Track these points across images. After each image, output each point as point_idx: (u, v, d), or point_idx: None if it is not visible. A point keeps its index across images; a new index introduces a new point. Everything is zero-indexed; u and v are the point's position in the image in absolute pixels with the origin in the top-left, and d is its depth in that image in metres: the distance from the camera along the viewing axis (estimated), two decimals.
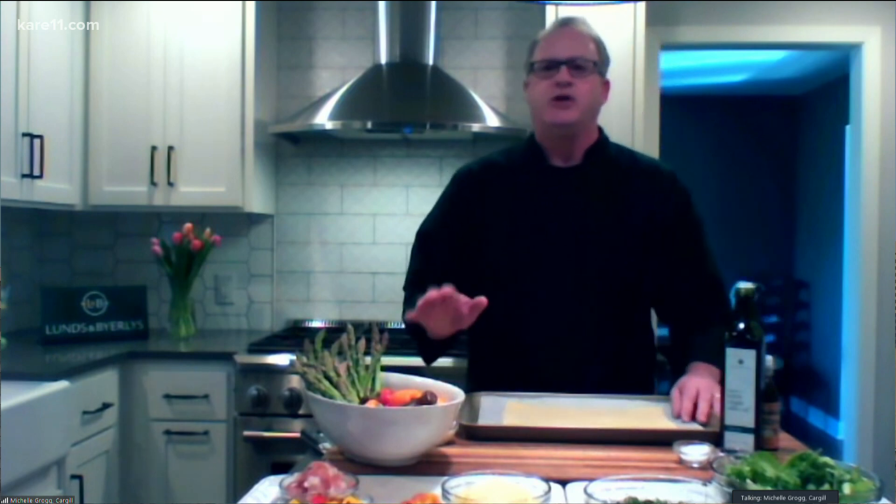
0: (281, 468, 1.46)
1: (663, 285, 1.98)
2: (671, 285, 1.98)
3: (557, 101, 1.91)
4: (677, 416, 1.72)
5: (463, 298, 1.68)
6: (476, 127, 3.16)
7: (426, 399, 1.43)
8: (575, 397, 1.85)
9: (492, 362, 2.03)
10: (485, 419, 1.71)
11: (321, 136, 3.54)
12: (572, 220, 1.95)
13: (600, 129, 2.05)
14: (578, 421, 1.67)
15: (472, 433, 1.61)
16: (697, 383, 1.76)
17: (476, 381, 2.02)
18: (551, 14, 3.31)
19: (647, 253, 1.95)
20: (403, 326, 1.94)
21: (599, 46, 1.97)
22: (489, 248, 1.98)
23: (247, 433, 2.96)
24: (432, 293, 1.67)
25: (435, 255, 2.03)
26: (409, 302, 1.99)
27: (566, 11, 3.29)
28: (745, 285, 1.54)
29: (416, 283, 2.03)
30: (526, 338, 1.95)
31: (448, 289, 1.68)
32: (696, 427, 1.65)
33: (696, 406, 1.70)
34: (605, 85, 2.00)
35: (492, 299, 1.94)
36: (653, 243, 1.95)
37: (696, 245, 2.00)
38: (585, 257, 1.93)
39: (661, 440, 1.53)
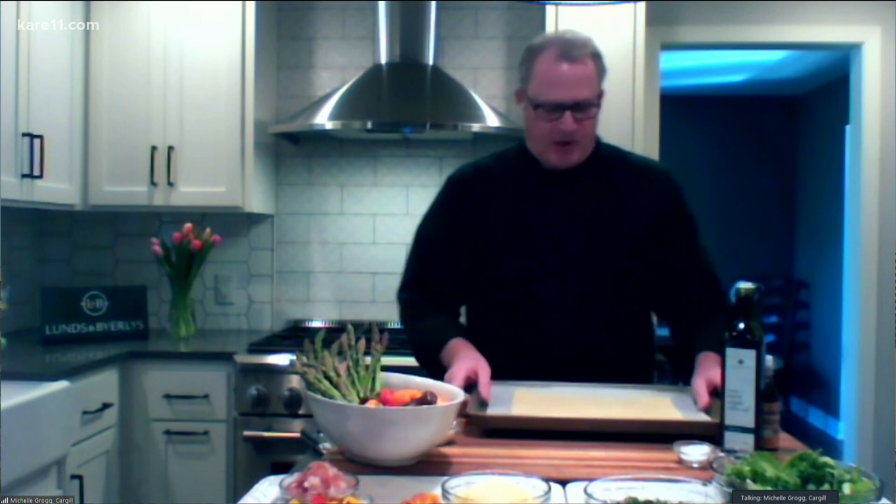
0: (281, 468, 1.46)
1: (663, 282, 1.99)
2: (671, 282, 1.99)
3: (560, 147, 1.90)
4: (704, 411, 1.67)
5: (483, 381, 1.75)
6: (476, 127, 3.16)
7: (426, 399, 1.43)
8: (582, 386, 1.85)
9: (496, 363, 2.01)
10: (493, 409, 1.69)
11: (321, 136, 3.54)
12: (572, 221, 1.95)
13: None
14: (588, 411, 1.66)
15: (482, 423, 1.60)
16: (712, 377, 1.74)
17: None
18: (551, 14, 3.32)
19: (646, 251, 1.96)
20: (401, 326, 1.98)
21: (599, 67, 1.91)
22: (491, 254, 1.98)
23: (247, 433, 2.96)
24: (459, 378, 1.73)
25: (435, 261, 2.05)
26: (411, 307, 2.07)
27: (566, 11, 3.29)
28: (745, 285, 1.54)
29: (415, 288, 2.08)
30: (530, 341, 1.96)
31: (466, 371, 1.76)
32: (705, 417, 1.64)
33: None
34: (602, 97, 1.95)
35: (496, 303, 2.00)
36: (651, 241, 1.96)
37: (692, 241, 2.02)
38: (587, 258, 1.94)
39: (673, 432, 1.53)
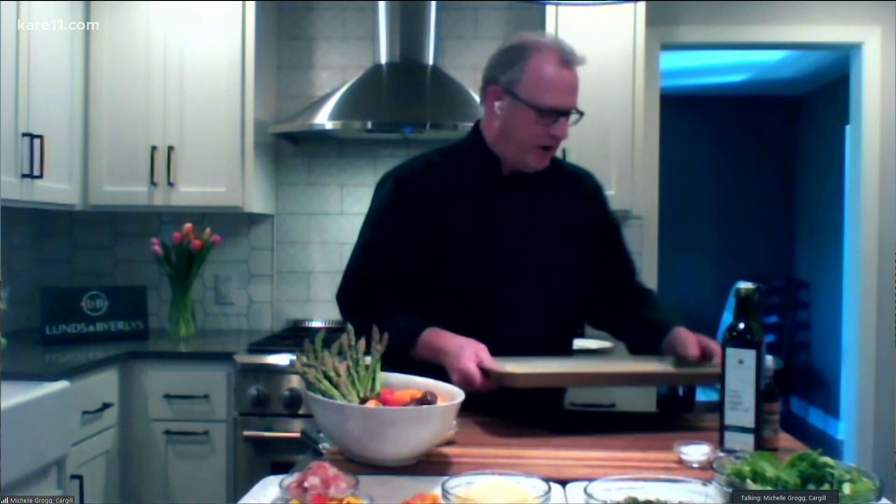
0: (281, 468, 1.46)
1: (600, 278, 2.05)
2: (608, 280, 2.06)
3: (543, 150, 1.91)
4: (696, 357, 1.79)
5: (487, 360, 1.75)
6: None
7: (426, 399, 1.43)
8: (562, 360, 1.91)
9: None
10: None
11: (321, 136, 3.54)
12: (528, 222, 1.97)
13: None
14: (607, 368, 1.83)
15: (512, 382, 1.66)
16: (698, 336, 1.84)
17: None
18: (551, 14, 3.32)
19: (587, 250, 2.03)
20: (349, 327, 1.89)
21: None
22: (450, 253, 1.93)
23: (247, 433, 2.96)
24: (474, 369, 1.71)
25: (387, 261, 1.95)
26: (365, 308, 1.91)
27: (566, 11, 3.29)
28: (745, 285, 1.54)
29: (367, 288, 1.95)
30: (489, 341, 1.86)
31: (474, 359, 1.73)
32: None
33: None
34: None
35: (454, 302, 1.93)
36: (590, 240, 2.03)
37: (620, 239, 2.12)
38: (544, 259, 1.96)
39: (694, 383, 1.71)
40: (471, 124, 3.10)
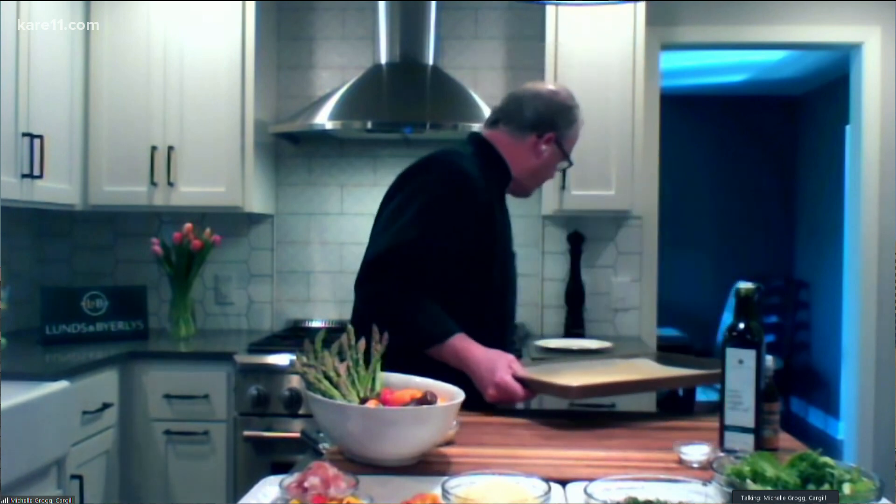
0: (281, 468, 1.47)
1: None
2: None
3: None
4: None
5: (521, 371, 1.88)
6: (476, 127, 3.15)
7: (426, 399, 1.43)
8: (573, 364, 2.14)
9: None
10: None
11: (321, 136, 3.54)
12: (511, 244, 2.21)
13: None
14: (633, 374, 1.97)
15: (569, 394, 1.81)
16: None
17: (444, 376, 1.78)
18: (551, 14, 3.32)
19: None
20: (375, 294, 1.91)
21: None
22: (487, 264, 2.01)
23: (247, 433, 2.97)
24: (511, 381, 1.82)
25: (431, 255, 1.92)
26: (405, 289, 1.88)
27: (566, 11, 3.29)
28: (745, 285, 1.54)
29: (405, 270, 1.89)
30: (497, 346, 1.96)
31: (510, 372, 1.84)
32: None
33: None
34: None
35: (479, 308, 2.00)
36: None
37: None
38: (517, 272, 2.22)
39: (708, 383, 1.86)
40: (470, 124, 3.14)
